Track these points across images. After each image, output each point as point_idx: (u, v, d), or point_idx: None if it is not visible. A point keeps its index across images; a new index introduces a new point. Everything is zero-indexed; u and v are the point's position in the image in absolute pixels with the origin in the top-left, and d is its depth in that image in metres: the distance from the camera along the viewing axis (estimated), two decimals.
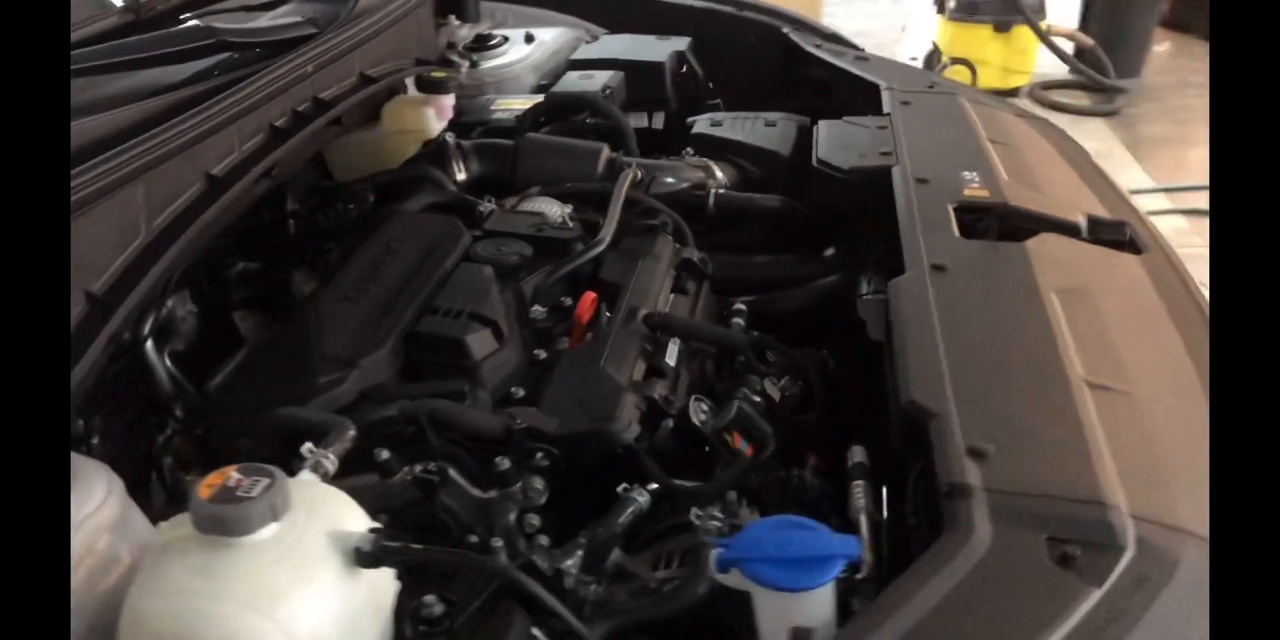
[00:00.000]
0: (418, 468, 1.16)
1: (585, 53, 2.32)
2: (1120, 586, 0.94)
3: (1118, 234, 1.63)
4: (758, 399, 1.38)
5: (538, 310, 1.47)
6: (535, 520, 1.16)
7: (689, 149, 1.98)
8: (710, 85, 2.39)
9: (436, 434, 1.21)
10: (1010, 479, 1.04)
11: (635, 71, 2.22)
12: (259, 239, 1.75)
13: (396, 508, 1.17)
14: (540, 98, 2.09)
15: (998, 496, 1.02)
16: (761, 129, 2.03)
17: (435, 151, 1.84)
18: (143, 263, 1.27)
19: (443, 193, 1.75)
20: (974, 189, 1.67)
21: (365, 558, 0.90)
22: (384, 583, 0.95)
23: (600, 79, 2.13)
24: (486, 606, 1.10)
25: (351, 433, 1.11)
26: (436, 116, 1.94)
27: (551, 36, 2.41)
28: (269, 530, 0.87)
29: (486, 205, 1.69)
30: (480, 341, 1.35)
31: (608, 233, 1.58)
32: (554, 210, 1.70)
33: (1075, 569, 0.94)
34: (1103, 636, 0.89)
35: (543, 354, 1.41)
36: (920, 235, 1.54)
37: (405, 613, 1.01)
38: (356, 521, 0.95)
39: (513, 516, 1.14)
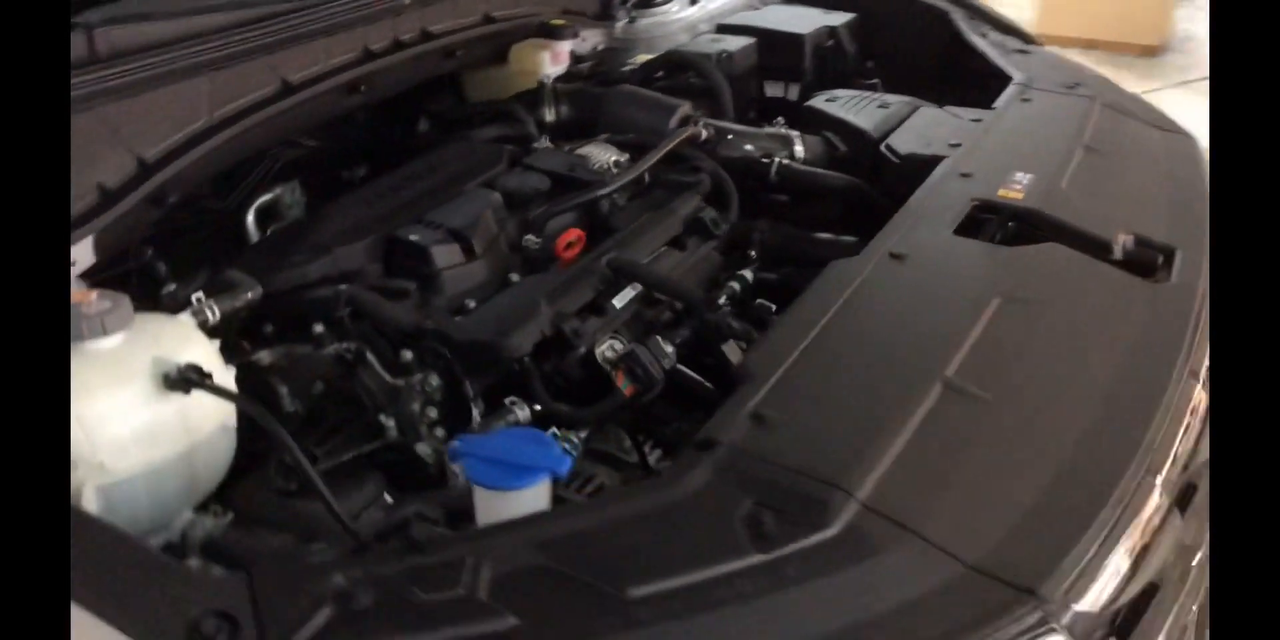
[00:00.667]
0: (340, 345, 1.35)
1: (739, 18, 2.37)
2: (796, 559, 0.95)
3: (1148, 258, 1.51)
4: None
5: (530, 239, 1.60)
6: (433, 413, 1.32)
7: (780, 119, 2.01)
8: (870, 65, 2.37)
9: (355, 320, 1.39)
10: (767, 446, 1.06)
11: (774, 41, 2.26)
12: (384, 150, 2.00)
13: (326, 378, 1.38)
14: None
15: (738, 455, 1.05)
16: (871, 110, 2.02)
17: (532, 92, 2.00)
18: (194, 141, 1.53)
19: (511, 127, 1.90)
20: (1011, 190, 1.61)
21: (173, 382, 1.10)
22: (200, 412, 1.14)
23: (726, 44, 2.19)
24: (346, 468, 1.29)
25: (249, 294, 1.31)
26: (552, 61, 2.09)
27: (719, 1, 2.48)
28: (101, 342, 1.09)
29: (541, 143, 1.83)
30: (446, 253, 1.50)
31: (622, 180, 1.67)
32: (604, 156, 1.81)
33: (759, 534, 0.97)
34: (748, 595, 0.92)
35: (516, 277, 1.55)
36: (908, 224, 1.52)
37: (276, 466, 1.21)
38: (191, 356, 1.14)
39: (416, 405, 1.31)
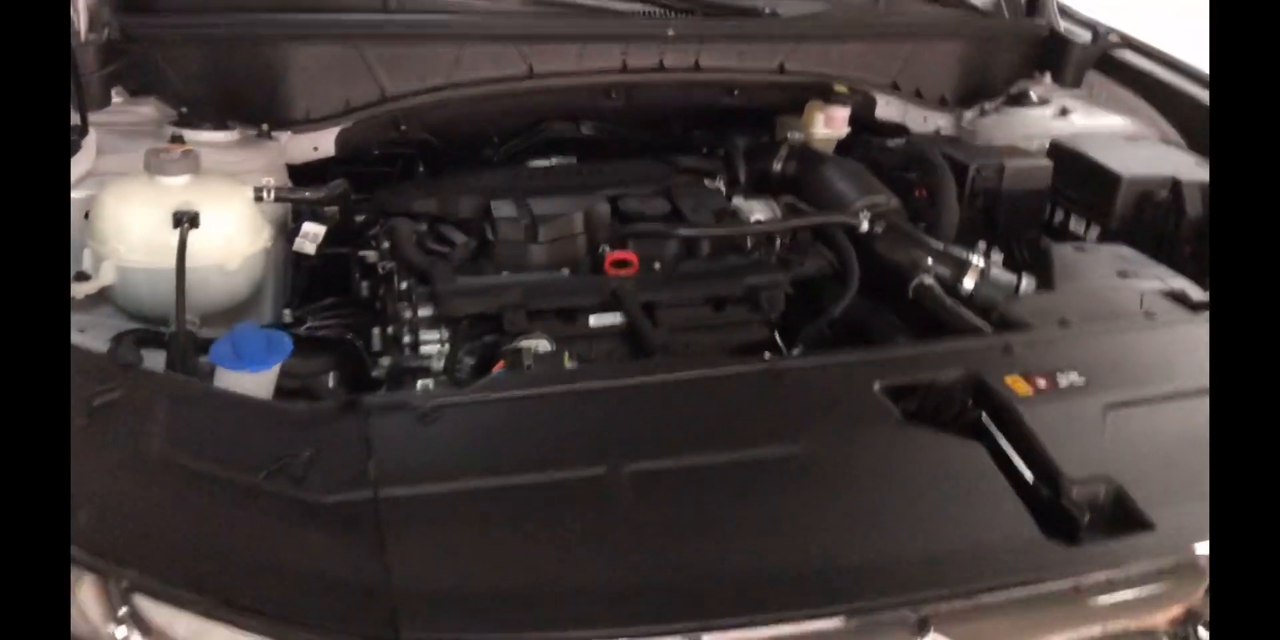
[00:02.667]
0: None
1: (1082, 139, 2.13)
2: None
3: None
4: None
5: (604, 248, 1.77)
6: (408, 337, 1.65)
7: (983, 243, 1.85)
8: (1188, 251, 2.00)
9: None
10: None
11: (1090, 174, 2.01)
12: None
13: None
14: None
15: None
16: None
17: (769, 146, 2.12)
18: (432, 91, 1.96)
19: (710, 163, 2.05)
20: None
21: (175, 218, 1.54)
22: (201, 249, 1.55)
23: (1027, 162, 2.02)
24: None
25: (308, 194, 1.71)
26: (825, 123, 2.13)
27: (1093, 121, 2.23)
28: (166, 180, 1.57)
29: (712, 183, 1.95)
30: (509, 229, 1.74)
31: (706, 231, 1.77)
32: (755, 212, 1.89)
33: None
34: None
35: (565, 272, 1.74)
36: None
37: None
38: (225, 211, 1.59)
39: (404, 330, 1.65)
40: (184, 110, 1.86)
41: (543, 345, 1.56)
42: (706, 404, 1.30)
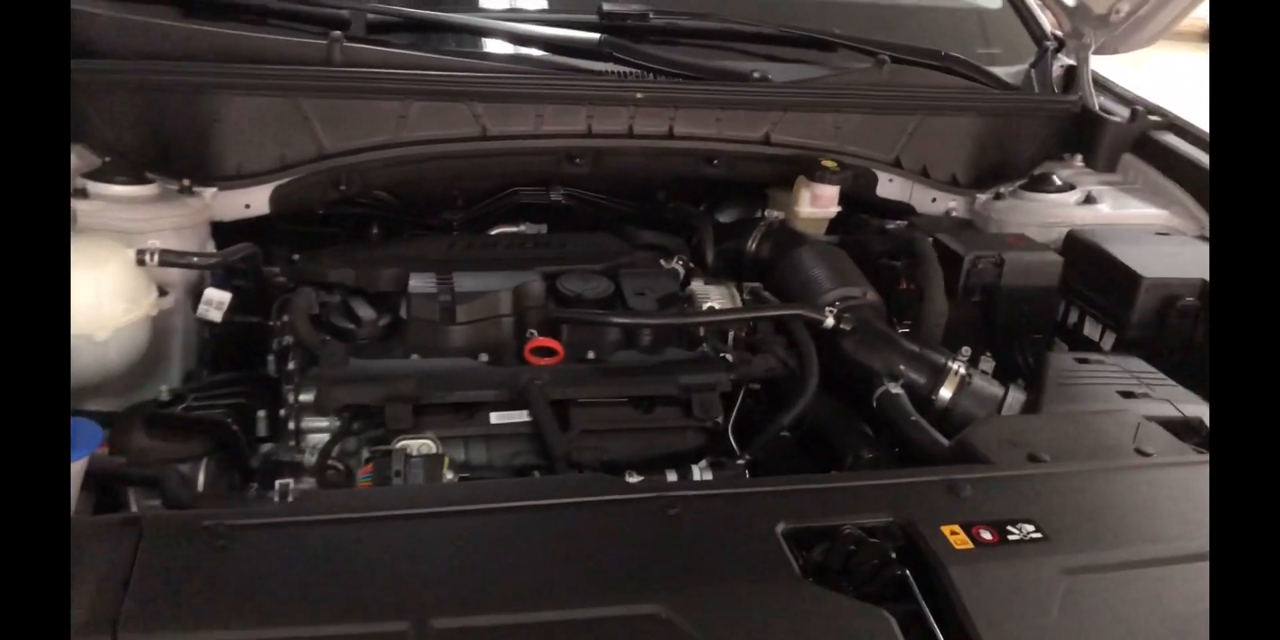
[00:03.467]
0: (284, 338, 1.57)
1: (1103, 232, 1.87)
2: None
3: None
4: None
5: (531, 333, 1.58)
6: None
7: (966, 349, 1.60)
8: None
9: None
10: None
11: (1108, 272, 1.76)
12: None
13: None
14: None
15: None
16: None
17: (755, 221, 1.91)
18: (375, 149, 1.81)
19: (670, 241, 1.84)
20: None
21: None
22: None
23: (1031, 255, 1.78)
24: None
25: (195, 259, 1.56)
26: (811, 202, 1.91)
27: (1122, 211, 1.97)
28: None
29: (670, 264, 1.74)
30: (423, 308, 1.56)
31: (639, 321, 1.57)
32: (710, 300, 1.68)
33: None
34: None
35: (484, 358, 1.55)
36: None
37: None
38: (100, 272, 1.46)
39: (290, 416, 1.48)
40: (107, 160, 1.73)
41: (426, 446, 1.37)
42: (564, 541, 1.08)
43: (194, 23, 1.88)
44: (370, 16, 1.91)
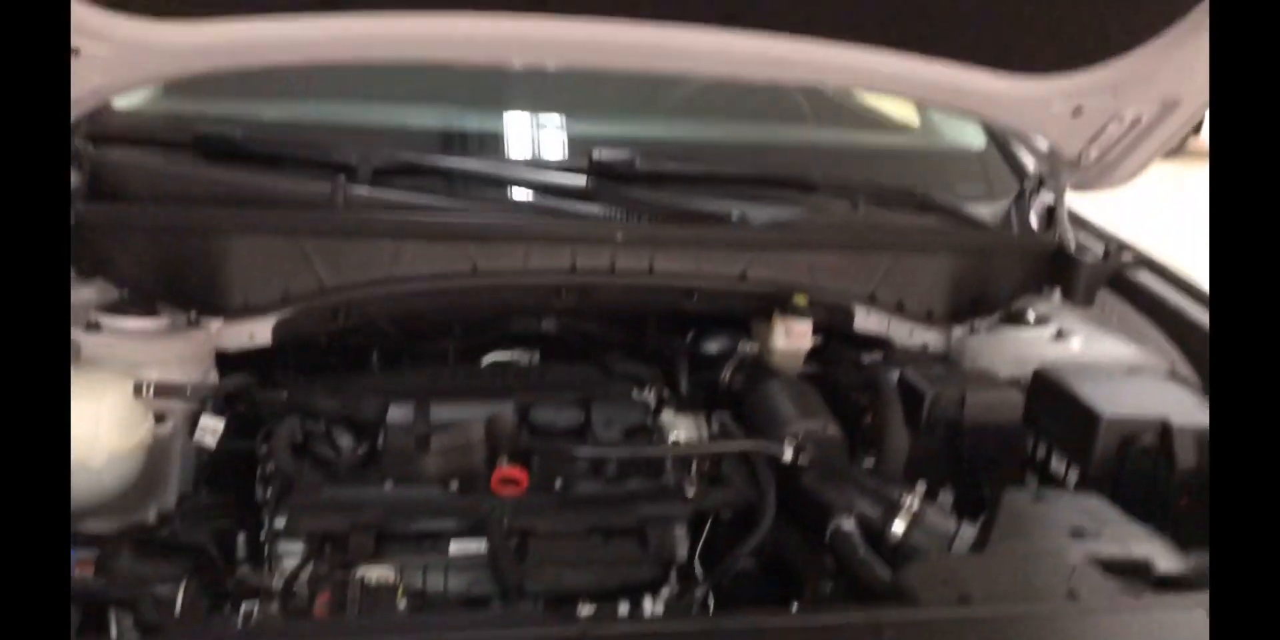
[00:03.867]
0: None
1: (1067, 372, 1.90)
2: None
3: None
4: None
5: (502, 463, 1.65)
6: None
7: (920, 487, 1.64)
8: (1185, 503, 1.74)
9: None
10: None
11: (1069, 410, 1.79)
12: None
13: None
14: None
15: None
16: None
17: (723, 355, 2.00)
18: (373, 284, 1.93)
19: (647, 371, 1.92)
20: None
21: None
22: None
23: (990, 394, 1.83)
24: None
25: (188, 391, 1.66)
26: (785, 335, 1.99)
27: (1094, 348, 2.02)
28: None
29: (642, 394, 1.82)
30: (398, 437, 1.65)
31: (605, 452, 1.63)
32: (677, 432, 1.74)
33: None
34: None
35: (454, 487, 1.63)
36: None
37: None
38: (100, 403, 1.57)
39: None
40: (124, 293, 1.87)
41: (384, 575, 1.44)
42: None
43: (213, 167, 2.04)
44: (376, 162, 2.06)
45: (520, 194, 2.08)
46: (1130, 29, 1.75)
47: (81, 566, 1.54)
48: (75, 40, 1.59)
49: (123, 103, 2.29)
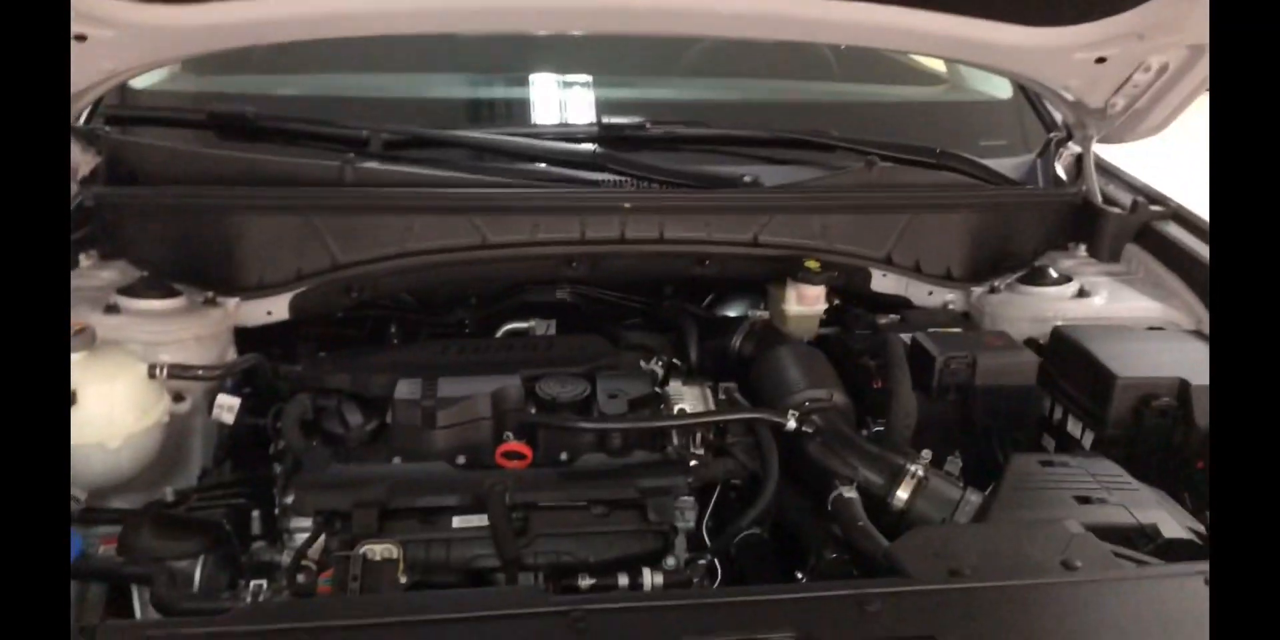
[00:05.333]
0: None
1: (1085, 331, 1.85)
2: None
3: None
4: None
5: (508, 436, 1.67)
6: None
7: (927, 453, 1.62)
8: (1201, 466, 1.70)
9: None
10: None
11: (1087, 371, 1.75)
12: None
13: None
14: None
15: None
16: None
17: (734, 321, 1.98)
18: (384, 259, 1.95)
19: (656, 340, 1.91)
20: None
21: None
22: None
23: (1004, 356, 1.79)
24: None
25: (200, 372, 1.70)
26: (797, 300, 1.97)
27: (1117, 305, 1.96)
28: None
29: (649, 364, 1.82)
30: (406, 413, 1.66)
31: (608, 426, 1.63)
32: (684, 401, 1.74)
33: None
34: None
35: (462, 460, 1.65)
36: None
37: None
38: (114, 383, 1.61)
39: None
40: (143, 275, 1.91)
41: (387, 551, 1.47)
42: None
43: (226, 145, 2.06)
44: (385, 136, 2.07)
45: (531, 164, 2.07)
46: None
47: (106, 543, 1.61)
48: (83, 26, 1.62)
49: (143, 82, 2.33)
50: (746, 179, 2.02)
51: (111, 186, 1.99)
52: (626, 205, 1.94)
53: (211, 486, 1.72)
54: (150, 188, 2.00)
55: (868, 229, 2.05)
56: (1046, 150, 2.27)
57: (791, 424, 1.65)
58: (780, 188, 2.03)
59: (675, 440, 1.68)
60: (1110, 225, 2.11)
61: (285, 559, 1.52)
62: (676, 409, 1.73)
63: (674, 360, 1.91)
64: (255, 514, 1.64)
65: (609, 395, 1.71)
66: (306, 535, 1.55)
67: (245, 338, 1.96)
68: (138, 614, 1.55)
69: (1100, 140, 2.21)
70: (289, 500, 1.55)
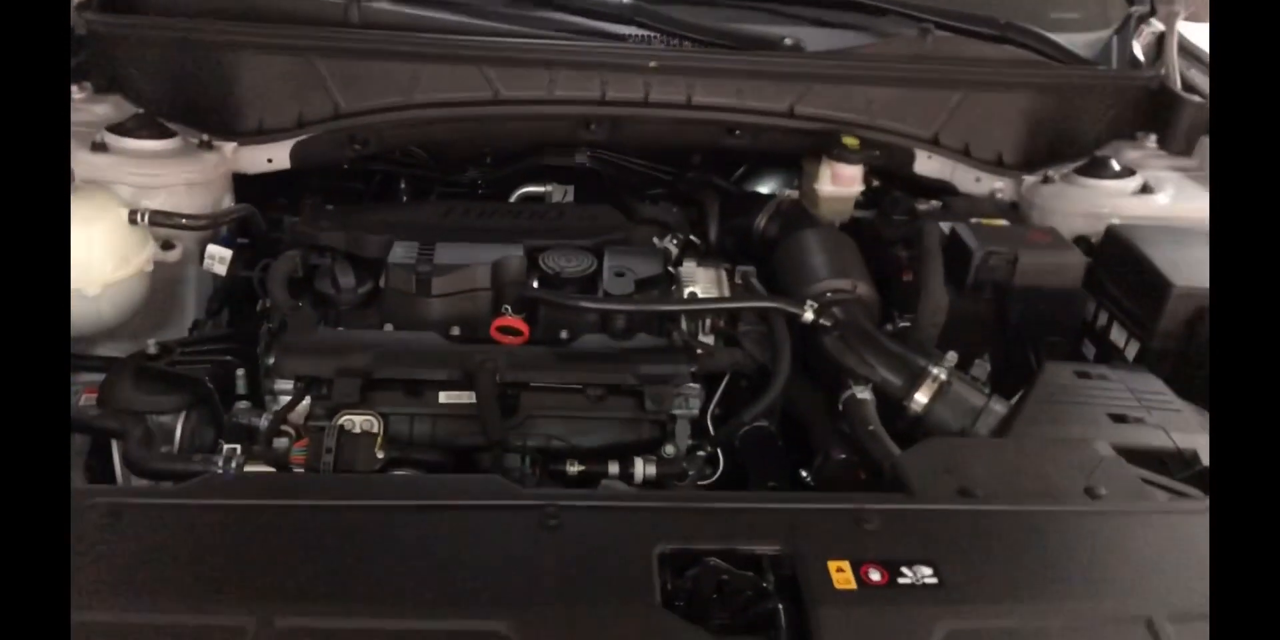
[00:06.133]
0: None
1: (1142, 232, 1.70)
2: None
3: None
4: None
5: (506, 309, 1.57)
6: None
7: (952, 354, 1.51)
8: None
9: None
10: None
11: (1140, 276, 1.61)
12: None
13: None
14: None
15: None
16: None
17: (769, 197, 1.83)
18: (390, 109, 1.81)
19: (672, 215, 1.79)
20: None
21: None
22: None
23: (1049, 255, 1.65)
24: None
25: (184, 221, 1.61)
26: (831, 180, 1.81)
27: (1181, 204, 1.79)
28: None
29: (663, 242, 1.70)
30: (401, 279, 1.58)
31: (613, 306, 1.53)
32: (696, 284, 1.63)
33: None
34: None
35: (456, 331, 1.56)
36: None
37: None
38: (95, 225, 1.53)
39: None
40: (139, 112, 1.79)
41: (367, 422, 1.39)
42: (437, 545, 1.09)
43: None
44: None
45: (552, 12, 1.89)
46: None
47: (89, 392, 1.55)
48: None
49: None
50: (787, 42, 1.83)
51: (106, 13, 1.84)
52: (652, 64, 1.77)
53: (197, 340, 1.64)
54: (146, 18, 1.85)
55: (915, 105, 1.87)
56: (1125, 26, 2.05)
57: (809, 316, 1.53)
58: (823, 54, 1.85)
59: (683, 325, 1.58)
60: (1187, 114, 1.92)
61: (265, 423, 1.45)
62: (687, 292, 1.62)
63: (691, 238, 1.79)
64: (240, 373, 1.57)
65: (615, 273, 1.60)
66: (288, 400, 1.49)
67: (248, 186, 1.86)
68: (117, 470, 1.50)
69: (1187, 18, 1.99)
70: (270, 362, 1.48)
